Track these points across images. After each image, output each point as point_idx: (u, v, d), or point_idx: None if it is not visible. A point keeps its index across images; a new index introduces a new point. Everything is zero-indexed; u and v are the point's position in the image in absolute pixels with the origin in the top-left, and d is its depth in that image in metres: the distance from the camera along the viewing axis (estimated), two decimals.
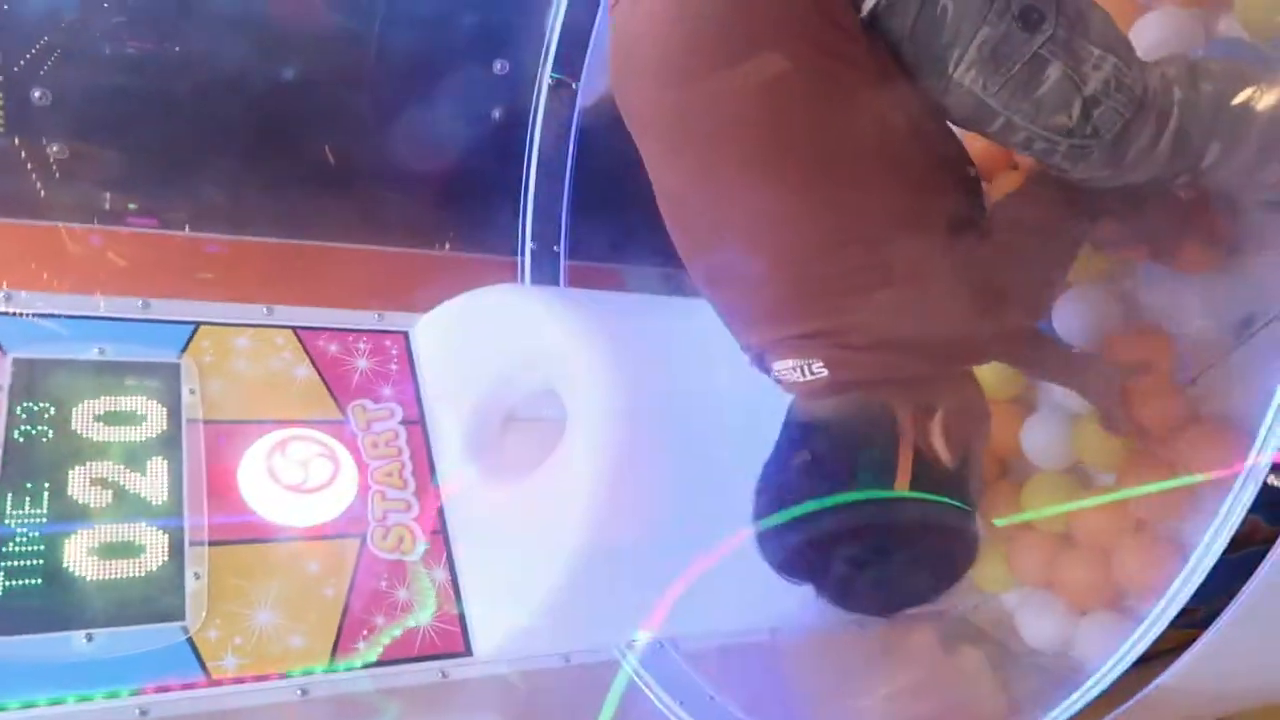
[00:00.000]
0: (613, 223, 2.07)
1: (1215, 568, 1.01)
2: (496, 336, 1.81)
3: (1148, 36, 1.50)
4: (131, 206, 1.88)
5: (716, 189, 1.21)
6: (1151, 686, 1.08)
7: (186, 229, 1.93)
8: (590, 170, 2.16)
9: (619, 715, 1.54)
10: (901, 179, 1.20)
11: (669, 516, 1.53)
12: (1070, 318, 1.64)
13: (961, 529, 1.25)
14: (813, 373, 1.21)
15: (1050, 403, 1.77)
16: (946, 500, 1.20)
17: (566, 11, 2.05)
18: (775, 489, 1.24)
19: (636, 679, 1.57)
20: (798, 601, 1.71)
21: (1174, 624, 1.05)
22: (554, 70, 2.08)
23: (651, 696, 1.54)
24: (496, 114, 2.10)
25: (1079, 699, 1.10)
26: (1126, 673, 1.07)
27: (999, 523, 1.48)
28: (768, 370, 1.29)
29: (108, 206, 1.85)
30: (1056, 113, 1.16)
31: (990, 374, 1.81)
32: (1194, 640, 1.05)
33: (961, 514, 1.23)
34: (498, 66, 2.06)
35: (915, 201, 1.21)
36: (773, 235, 1.20)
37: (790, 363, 1.23)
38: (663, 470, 1.53)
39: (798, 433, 1.27)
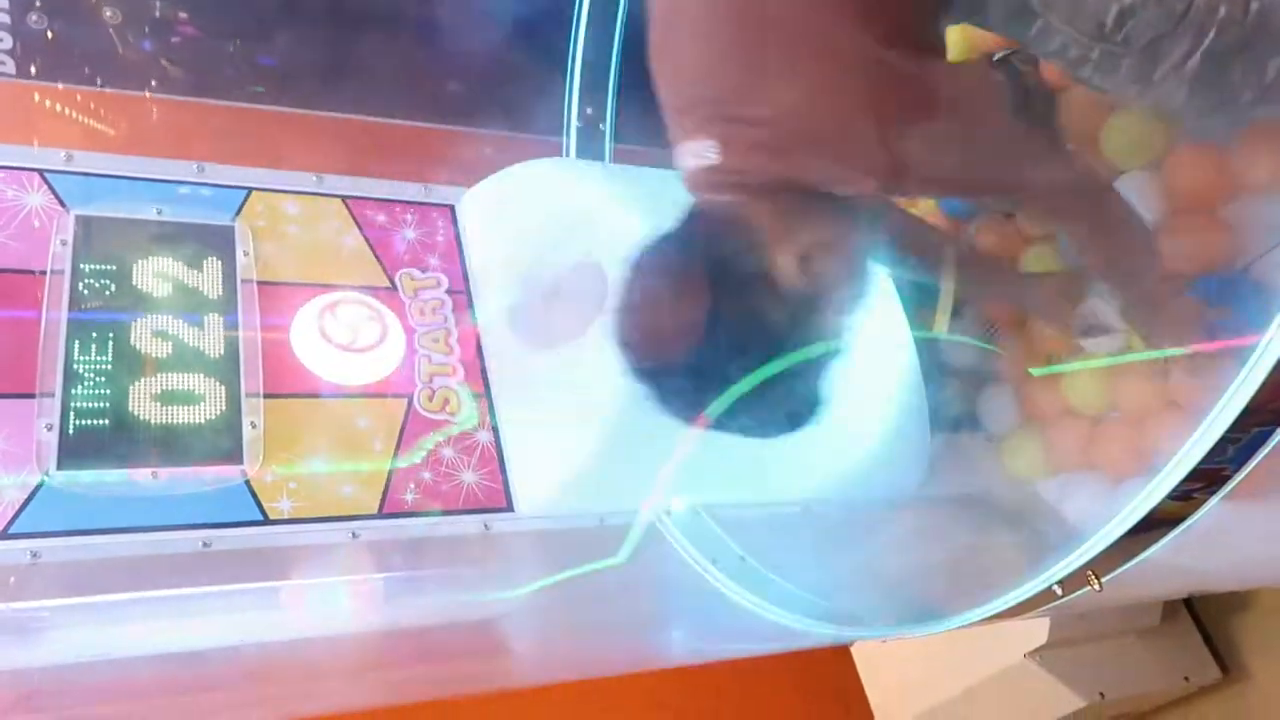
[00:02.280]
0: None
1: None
2: (541, 208, 1.83)
3: None
4: (186, 75, 1.90)
5: None
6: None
7: (240, 99, 1.96)
8: (639, 52, 2.14)
9: (656, 575, 1.60)
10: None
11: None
12: None
13: (799, 381, 1.19)
14: (704, 157, 1.13)
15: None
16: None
17: None
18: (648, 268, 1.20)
19: (670, 539, 1.62)
20: (833, 478, 1.77)
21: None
22: None
23: (685, 555, 1.59)
24: None
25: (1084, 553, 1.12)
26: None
27: (1036, 372, 1.48)
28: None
29: (163, 74, 1.88)
30: (1092, 15, 1.12)
31: (1046, 257, 1.81)
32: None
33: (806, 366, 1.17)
34: None
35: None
36: None
37: (685, 145, 1.15)
38: None
39: (681, 228, 1.21)
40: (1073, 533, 1.80)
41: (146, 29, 1.83)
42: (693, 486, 1.63)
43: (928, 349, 1.83)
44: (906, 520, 1.82)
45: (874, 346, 1.76)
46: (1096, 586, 1.12)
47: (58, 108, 1.77)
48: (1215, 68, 1.14)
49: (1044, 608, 1.20)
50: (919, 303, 1.77)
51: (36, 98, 1.78)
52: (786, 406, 1.22)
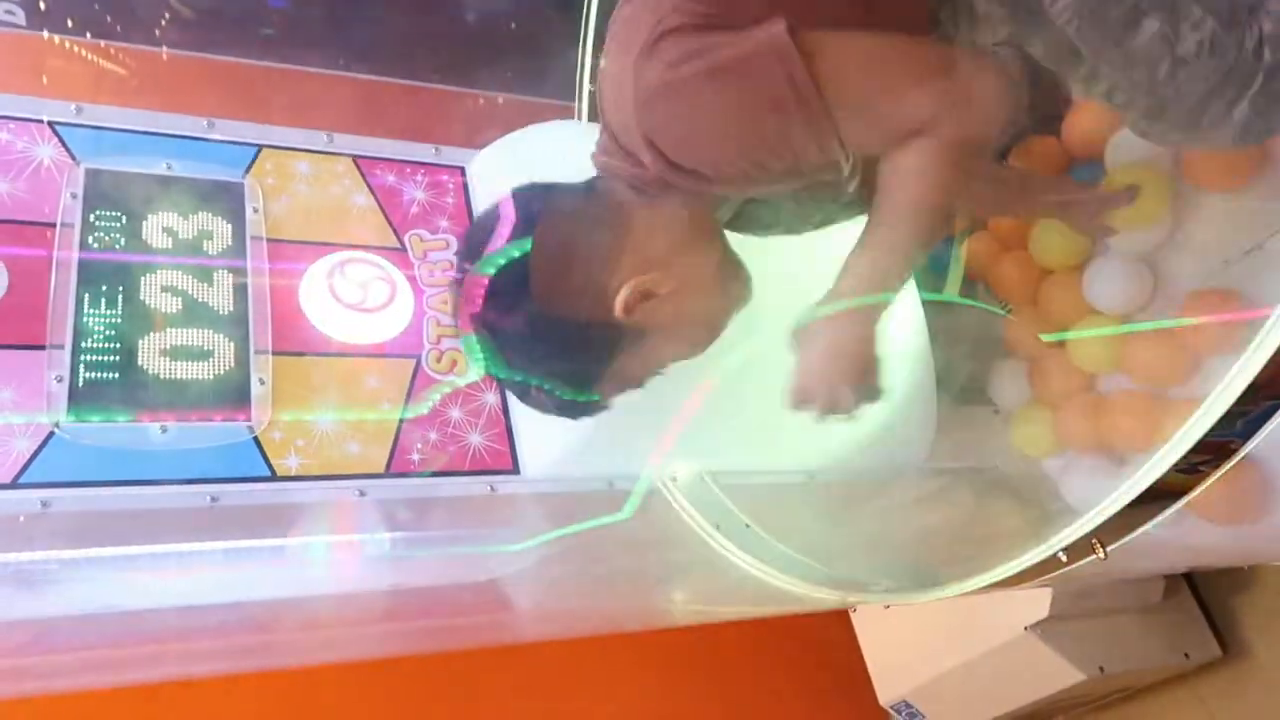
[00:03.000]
0: None
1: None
2: (552, 171, 1.82)
3: None
4: (198, 29, 1.90)
5: None
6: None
7: (251, 56, 1.95)
8: None
9: (660, 538, 1.61)
10: None
11: (716, 350, 1.56)
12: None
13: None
14: None
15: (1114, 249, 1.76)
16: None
17: None
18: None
19: (675, 505, 1.63)
20: (838, 447, 1.77)
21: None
22: None
23: (689, 521, 1.60)
24: None
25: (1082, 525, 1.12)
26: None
27: (1047, 338, 1.47)
28: None
29: (174, 27, 1.87)
30: (1144, 67, 1.12)
31: (1058, 232, 1.80)
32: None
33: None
34: None
35: None
36: None
37: None
38: None
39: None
40: (1078, 509, 1.81)
41: None
42: (698, 452, 1.64)
43: (937, 318, 1.82)
44: (911, 489, 1.83)
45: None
46: (1101, 555, 1.12)
47: (68, 59, 1.77)
48: (1260, 113, 1.14)
49: (1048, 576, 1.20)
50: (929, 271, 1.76)
51: (46, 49, 1.77)
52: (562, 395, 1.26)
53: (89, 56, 1.78)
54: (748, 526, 1.59)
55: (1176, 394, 1.68)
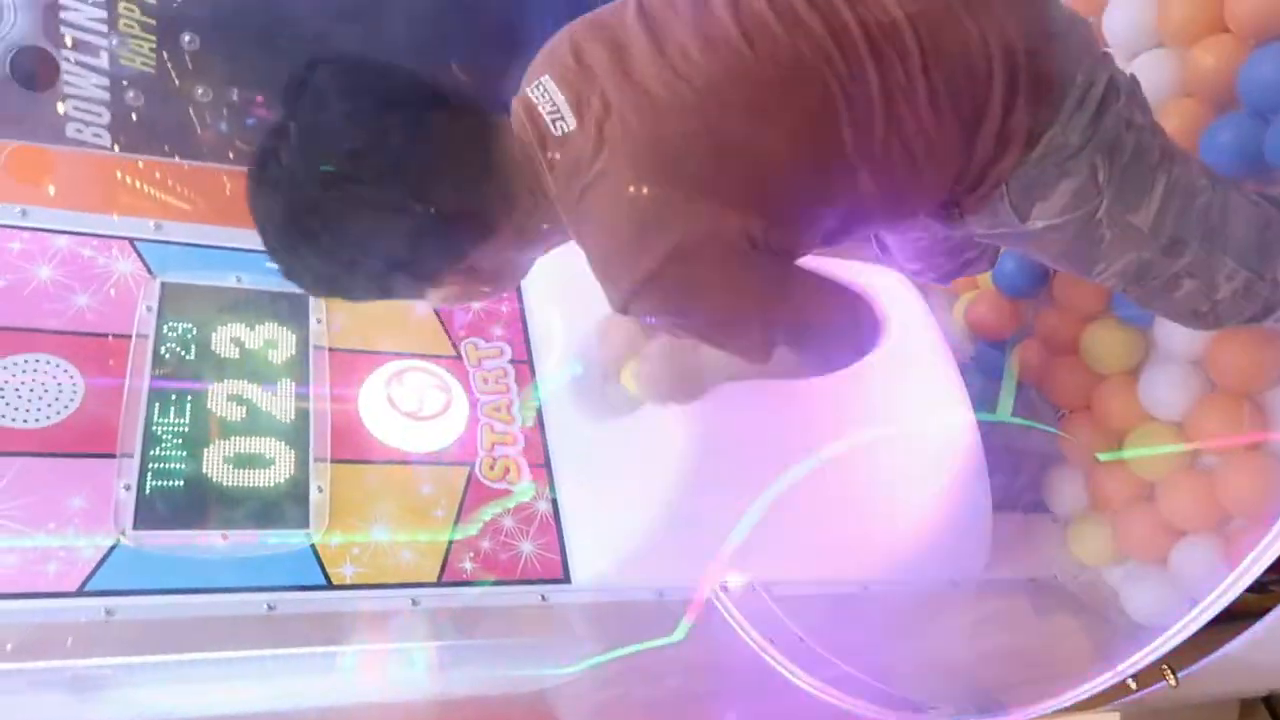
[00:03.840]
0: None
1: None
2: None
3: None
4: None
5: None
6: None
7: None
8: None
9: (713, 649, 1.59)
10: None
11: (768, 460, 1.56)
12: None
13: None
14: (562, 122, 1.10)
15: (1168, 354, 1.75)
16: None
17: None
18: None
19: (727, 616, 1.61)
20: (892, 559, 1.74)
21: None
22: None
23: (742, 634, 1.58)
24: None
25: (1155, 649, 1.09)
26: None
27: (1104, 457, 1.45)
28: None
29: (243, 146, 1.97)
30: (1186, 310, 1.30)
31: (1109, 338, 1.80)
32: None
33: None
34: None
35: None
36: None
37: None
38: (762, 414, 1.56)
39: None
40: (1142, 623, 1.76)
41: (229, 107, 1.93)
42: (750, 563, 1.62)
43: (991, 427, 1.81)
44: (969, 603, 1.79)
45: (934, 424, 1.75)
46: (1173, 682, 1.09)
47: (149, 179, 1.87)
48: None
49: (1116, 702, 1.16)
50: (983, 381, 1.76)
51: (129, 169, 1.87)
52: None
53: (168, 175, 1.88)
54: (801, 640, 1.56)
55: None
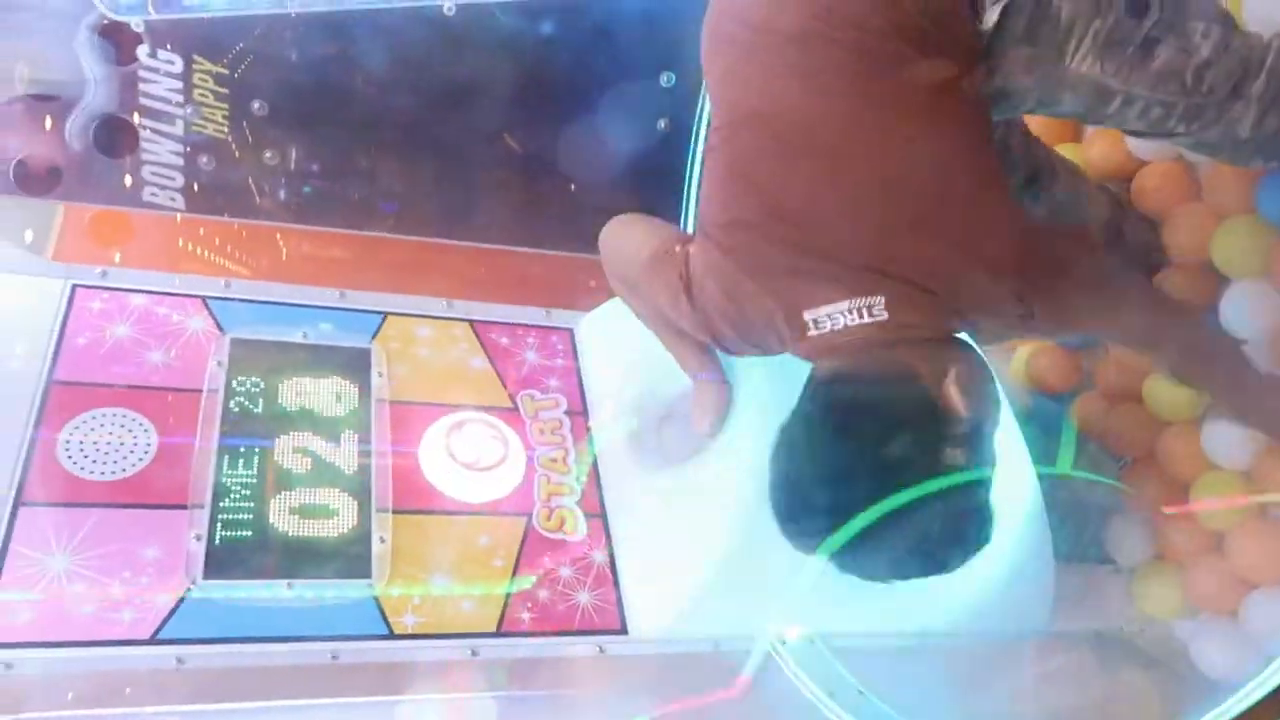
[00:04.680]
0: None
1: None
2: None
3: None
4: (327, 208, 2.07)
5: (823, 110, 1.22)
6: None
7: (379, 230, 2.11)
8: None
9: (772, 703, 1.57)
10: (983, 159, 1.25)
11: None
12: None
13: (977, 499, 1.23)
14: (870, 315, 1.17)
15: None
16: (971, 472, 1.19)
17: None
18: (810, 451, 1.23)
19: (785, 669, 1.59)
20: (950, 609, 1.72)
21: None
22: None
23: (801, 687, 1.56)
24: (662, 125, 2.18)
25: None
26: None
27: (1169, 511, 1.42)
28: (794, 328, 1.24)
29: (308, 207, 2.05)
30: (1173, 79, 1.26)
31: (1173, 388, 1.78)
32: None
33: (979, 484, 1.22)
34: (664, 79, 2.15)
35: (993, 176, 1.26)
36: (878, 164, 1.21)
37: (843, 305, 1.18)
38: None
39: (833, 389, 1.23)
40: (1214, 679, 1.70)
41: (295, 170, 2.01)
42: (809, 615, 1.61)
43: (1053, 477, 1.78)
44: (1033, 657, 1.75)
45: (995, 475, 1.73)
46: None
47: (221, 239, 1.95)
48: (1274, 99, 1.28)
49: None
50: (1042, 436, 1.74)
51: (199, 232, 1.96)
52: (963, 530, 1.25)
53: (238, 235, 1.96)
54: (861, 693, 1.54)
55: None
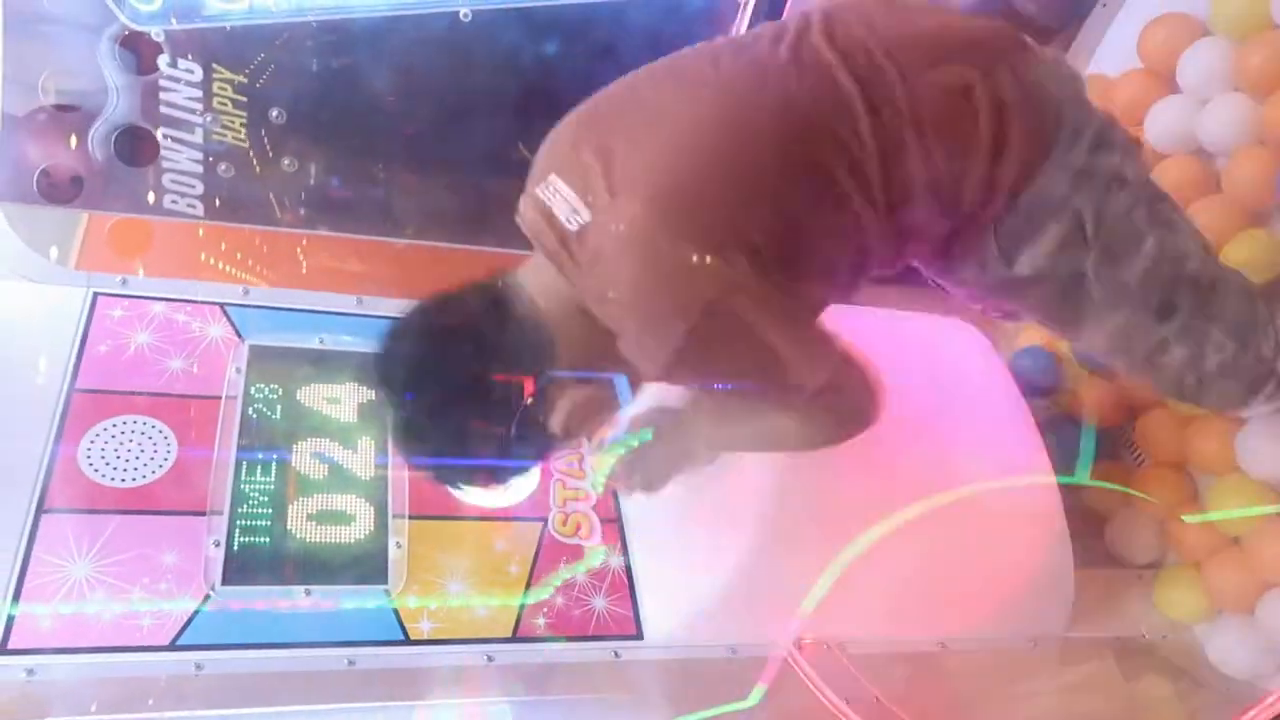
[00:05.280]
0: None
1: None
2: None
3: None
4: (345, 215, 2.08)
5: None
6: None
7: (395, 236, 2.12)
8: None
9: (788, 709, 1.57)
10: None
11: (845, 517, 1.55)
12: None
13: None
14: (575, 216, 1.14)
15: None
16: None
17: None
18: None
19: (802, 675, 1.59)
20: (971, 617, 1.71)
21: None
22: None
23: (818, 693, 1.55)
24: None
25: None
26: None
27: (1189, 519, 1.41)
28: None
29: (326, 214, 2.06)
30: (1172, 379, 1.28)
31: None
32: None
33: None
34: None
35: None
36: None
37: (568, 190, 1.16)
38: (839, 470, 1.56)
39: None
40: (1236, 686, 1.69)
41: (313, 178, 2.02)
42: (825, 620, 1.60)
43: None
44: (1051, 662, 1.74)
45: (1012, 480, 1.72)
46: None
47: (239, 246, 1.96)
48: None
49: None
50: (1062, 443, 1.73)
51: (218, 240, 1.97)
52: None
53: (256, 242, 1.98)
54: (879, 701, 1.54)
55: None
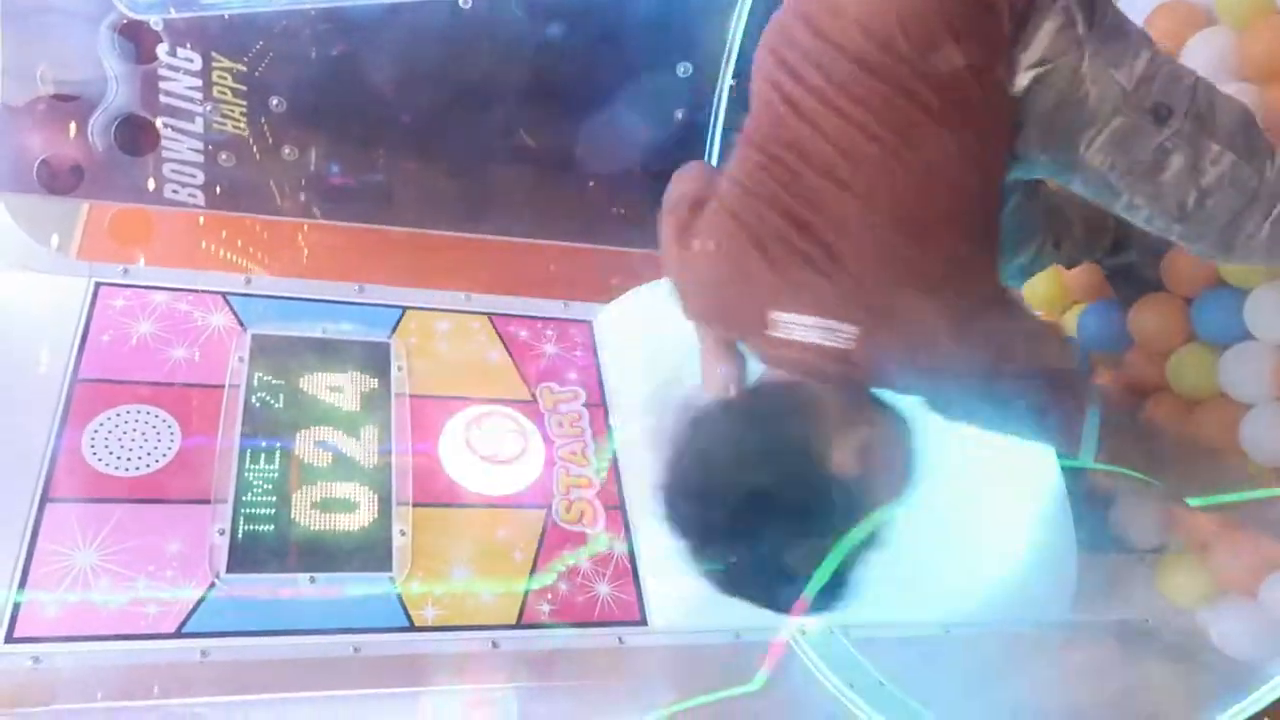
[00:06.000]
0: None
1: None
2: (674, 326, 1.88)
3: None
4: (345, 203, 2.08)
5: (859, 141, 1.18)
6: None
7: (394, 224, 2.11)
8: None
9: (792, 694, 1.57)
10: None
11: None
12: None
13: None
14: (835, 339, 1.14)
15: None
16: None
17: (748, 18, 2.11)
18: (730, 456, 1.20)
19: (806, 660, 1.59)
20: (975, 601, 1.71)
21: None
22: (735, 74, 2.14)
23: (821, 678, 1.56)
24: (679, 115, 2.17)
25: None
26: None
27: (1194, 503, 1.40)
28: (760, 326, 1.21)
29: (326, 202, 2.06)
30: (1174, 198, 1.24)
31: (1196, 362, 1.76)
32: None
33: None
34: (681, 69, 2.14)
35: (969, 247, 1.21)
36: (897, 200, 1.17)
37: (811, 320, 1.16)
38: None
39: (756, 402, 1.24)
40: (1241, 669, 1.69)
41: (313, 166, 2.02)
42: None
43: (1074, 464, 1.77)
44: (1055, 646, 1.74)
45: (1015, 461, 1.72)
46: None
47: (241, 235, 1.96)
48: None
49: None
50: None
51: (222, 226, 1.97)
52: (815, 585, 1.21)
53: (257, 231, 1.98)
54: (882, 685, 1.54)
55: None
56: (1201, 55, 1.78)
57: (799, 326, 1.17)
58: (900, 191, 1.16)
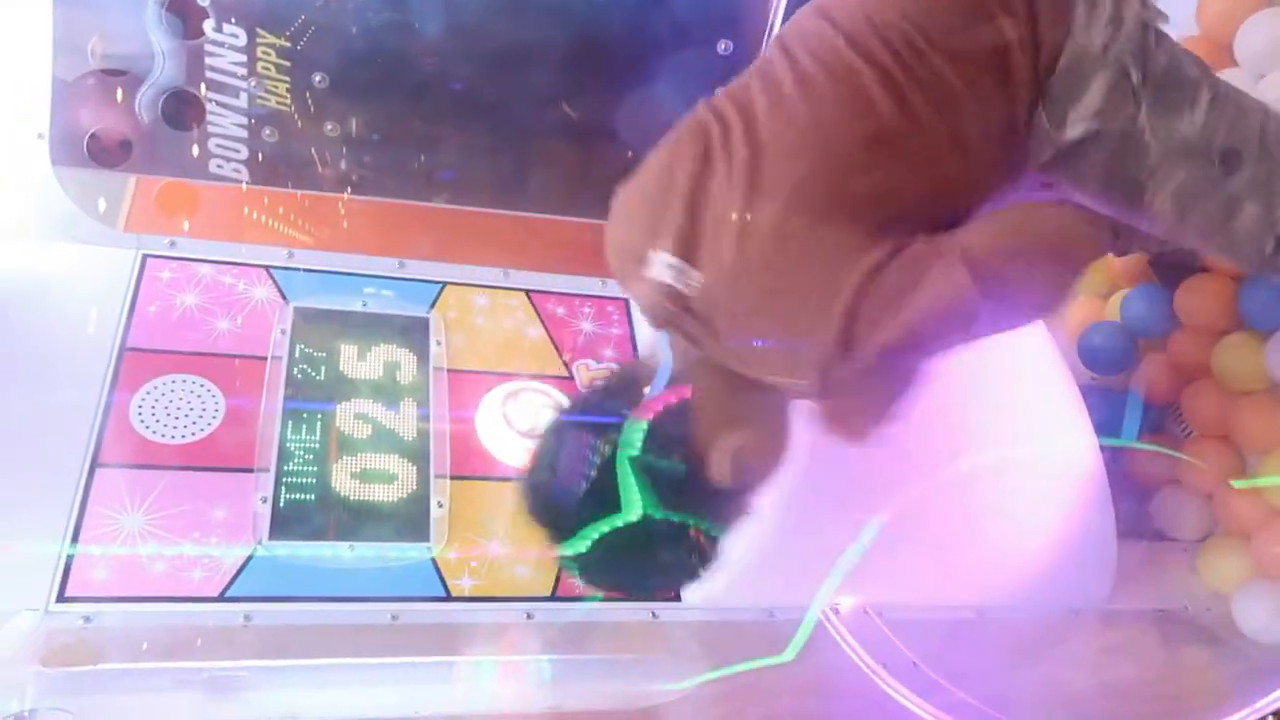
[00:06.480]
0: None
1: None
2: None
3: None
4: (386, 178, 2.09)
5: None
6: None
7: (439, 200, 2.13)
8: None
9: (826, 674, 1.57)
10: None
11: (880, 481, 1.55)
12: None
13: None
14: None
15: None
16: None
17: None
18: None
19: (839, 640, 1.59)
20: (1009, 584, 1.70)
21: None
22: None
23: (854, 658, 1.56)
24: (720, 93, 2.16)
25: None
26: None
27: (1237, 485, 1.38)
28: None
29: (368, 177, 2.07)
30: (1249, 245, 1.18)
31: (1242, 352, 1.73)
32: None
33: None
34: (722, 46, 2.13)
35: None
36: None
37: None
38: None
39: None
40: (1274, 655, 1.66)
41: (355, 141, 2.03)
42: (863, 585, 1.60)
43: (1115, 454, 1.75)
44: (1092, 632, 1.72)
45: (1055, 447, 1.71)
46: None
47: (283, 210, 1.98)
48: None
49: None
50: (1107, 409, 1.70)
51: (263, 203, 2.00)
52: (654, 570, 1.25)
53: (301, 206, 2.00)
54: (915, 666, 1.54)
55: None
56: (1256, 39, 1.75)
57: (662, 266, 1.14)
58: (815, 155, 1.11)
